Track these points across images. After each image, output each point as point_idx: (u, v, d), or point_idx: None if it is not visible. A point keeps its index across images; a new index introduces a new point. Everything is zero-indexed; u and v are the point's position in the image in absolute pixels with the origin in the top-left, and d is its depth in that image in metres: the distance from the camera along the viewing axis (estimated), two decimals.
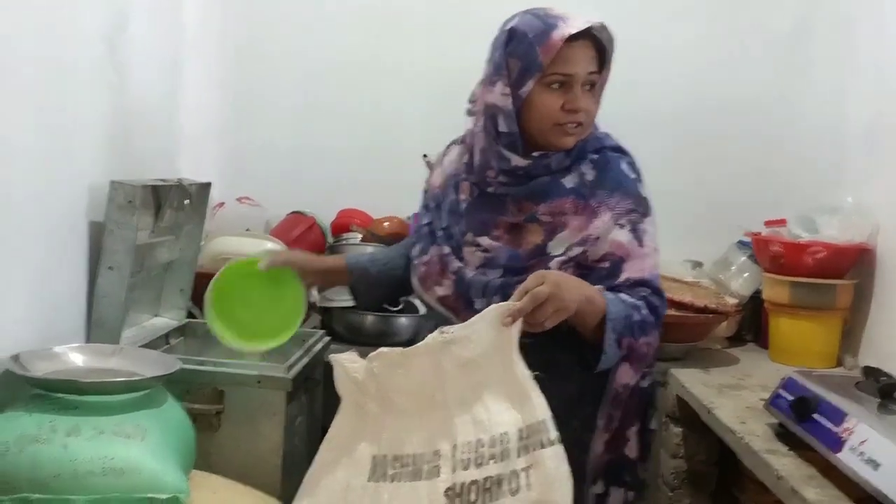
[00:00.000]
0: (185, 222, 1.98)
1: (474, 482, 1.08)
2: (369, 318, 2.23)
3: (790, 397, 1.46)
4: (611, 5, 2.44)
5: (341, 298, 2.30)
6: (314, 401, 1.97)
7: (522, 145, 1.39)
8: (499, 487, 1.07)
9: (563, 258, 1.36)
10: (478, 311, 1.25)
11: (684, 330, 2.03)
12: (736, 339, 2.31)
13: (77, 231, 1.65)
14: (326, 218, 2.59)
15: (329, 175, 2.65)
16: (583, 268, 1.36)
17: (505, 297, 1.26)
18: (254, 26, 2.65)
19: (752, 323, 2.31)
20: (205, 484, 1.44)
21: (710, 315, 2.03)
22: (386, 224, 2.53)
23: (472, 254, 1.45)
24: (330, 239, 2.57)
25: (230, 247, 2.23)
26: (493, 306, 1.17)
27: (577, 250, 1.37)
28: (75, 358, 1.46)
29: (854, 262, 2.02)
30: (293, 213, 2.56)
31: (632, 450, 1.42)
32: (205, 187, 2.00)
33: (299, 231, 2.47)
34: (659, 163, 2.49)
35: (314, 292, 2.35)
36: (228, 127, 2.65)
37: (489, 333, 1.13)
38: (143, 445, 1.25)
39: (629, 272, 1.35)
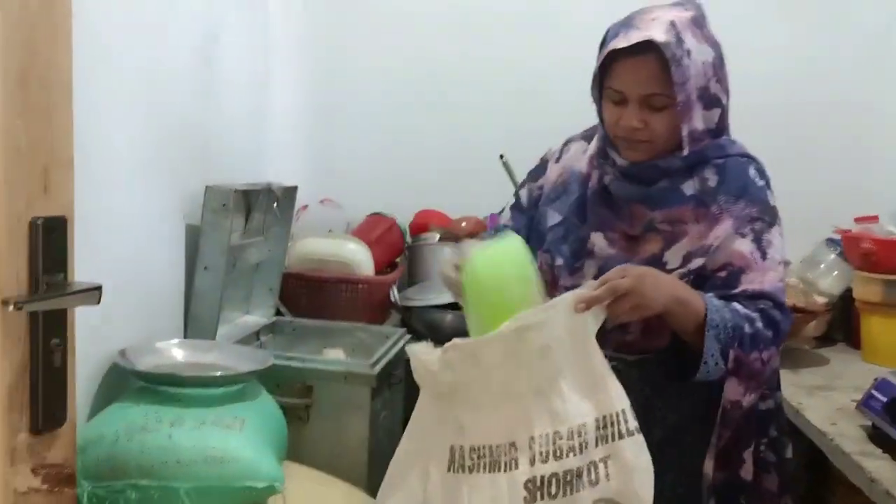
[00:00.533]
0: (273, 224, 2.06)
1: (554, 475, 1.07)
2: (448, 317, 2.26)
3: (884, 398, 1.42)
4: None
5: (420, 298, 2.35)
6: (397, 397, 2.02)
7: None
8: (579, 479, 1.06)
9: (681, 270, 1.25)
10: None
11: None
12: (825, 339, 2.24)
13: (175, 233, 1.74)
14: (405, 218, 2.64)
15: (408, 176, 2.70)
16: (699, 278, 1.26)
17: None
18: (336, 36, 2.72)
19: (842, 322, 2.24)
20: (296, 474, 1.50)
21: (799, 314, 1.98)
22: (464, 224, 2.57)
23: (585, 263, 1.34)
24: (409, 239, 2.62)
25: (315, 247, 2.30)
26: (569, 292, 1.14)
27: (696, 262, 1.25)
28: (176, 353, 1.54)
29: None
30: (373, 214, 2.62)
31: (747, 472, 1.26)
32: (291, 190, 2.07)
33: (380, 231, 2.53)
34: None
35: (394, 291, 2.41)
36: (312, 132, 2.73)
37: (564, 319, 1.11)
38: (241, 436, 1.31)
39: (747, 284, 1.23)
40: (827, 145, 2.49)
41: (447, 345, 1.16)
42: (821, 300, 2.13)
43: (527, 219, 1.44)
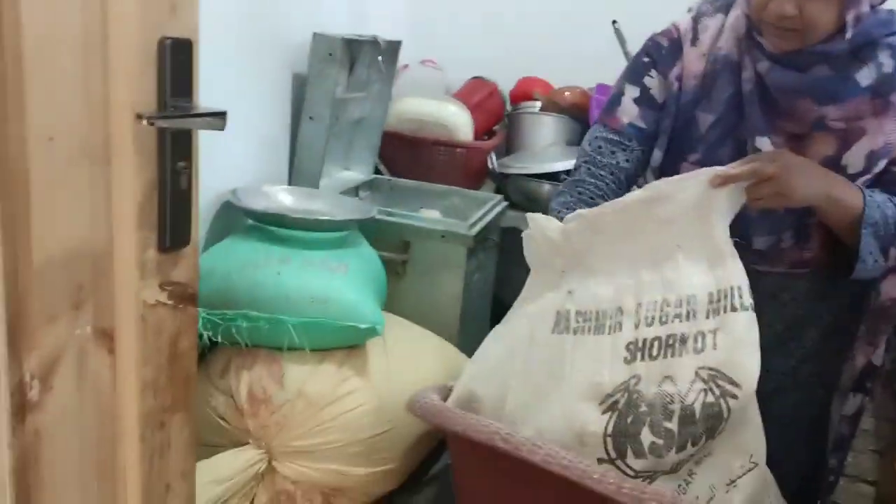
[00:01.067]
0: (376, 81, 2.04)
1: (657, 338, 1.06)
2: (545, 187, 2.23)
3: None
4: None
5: (518, 166, 2.32)
6: (490, 261, 2.04)
7: None
8: (682, 345, 1.05)
9: (868, 177, 1.13)
10: (758, 251, 1.18)
11: None
12: None
13: (282, 81, 1.75)
14: (507, 85, 2.57)
15: (511, 42, 2.61)
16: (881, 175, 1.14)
17: (795, 229, 1.17)
18: None
19: None
20: (393, 322, 1.55)
21: None
22: (567, 94, 2.49)
23: None
24: (509, 107, 2.56)
25: (415, 108, 2.28)
26: (710, 168, 1.07)
27: (882, 164, 1.13)
28: (284, 198, 1.59)
29: None
30: (475, 78, 2.56)
31: (878, 357, 1.21)
32: (395, 45, 2.04)
33: (480, 97, 2.48)
34: None
35: (492, 157, 2.39)
36: None
37: (696, 192, 1.08)
38: (345, 279, 1.36)
39: None
40: None
41: (570, 215, 1.14)
42: None
43: (665, 116, 1.23)
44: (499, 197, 2.11)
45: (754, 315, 1.03)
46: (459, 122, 2.29)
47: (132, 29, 0.83)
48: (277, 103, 1.75)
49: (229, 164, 1.55)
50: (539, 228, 1.16)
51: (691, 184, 1.07)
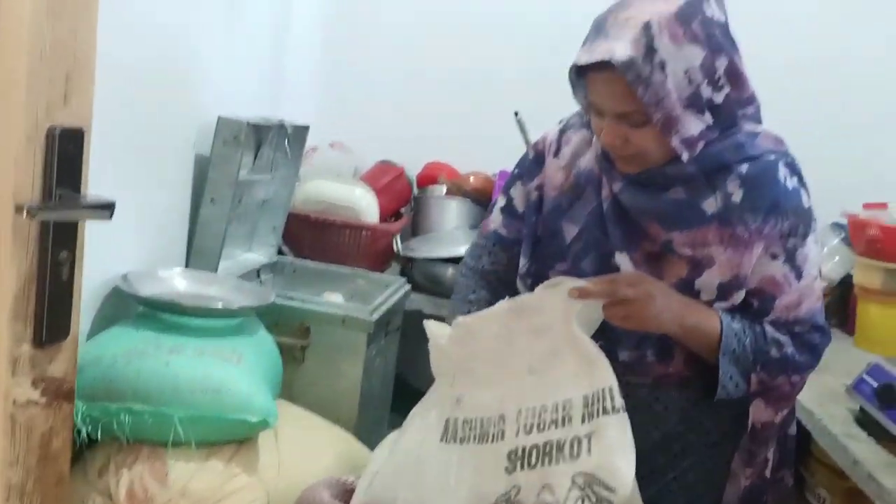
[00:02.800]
0: (282, 163, 2.04)
1: (535, 446, 1.07)
2: (450, 270, 2.26)
3: (875, 383, 1.43)
4: None
5: (423, 249, 2.35)
6: (392, 346, 2.03)
7: None
8: (559, 451, 1.05)
9: (724, 304, 1.14)
10: (622, 362, 1.17)
11: None
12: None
13: (184, 162, 1.73)
14: (414, 169, 2.62)
15: (420, 127, 2.68)
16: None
17: (658, 346, 1.17)
18: None
19: (839, 308, 2.25)
20: (288, 413, 1.52)
21: None
22: (472, 179, 2.55)
23: None
24: (416, 190, 2.61)
25: (321, 190, 2.29)
26: (569, 278, 1.12)
27: (738, 296, 1.13)
28: (178, 282, 1.54)
29: None
30: (382, 161, 2.61)
31: (768, 470, 1.23)
32: (302, 130, 2.05)
33: (388, 179, 2.52)
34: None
35: (397, 240, 2.41)
36: (327, 74, 2.70)
37: (559, 301, 1.11)
38: (238, 369, 1.32)
39: (781, 310, 1.14)
40: (844, 128, 2.47)
41: (454, 321, 1.19)
42: (820, 284, 2.13)
43: (525, 226, 1.26)
44: (402, 280, 2.12)
45: (626, 416, 1.03)
46: (365, 204, 2.31)
47: (19, 117, 0.81)
48: (178, 185, 1.72)
49: (122, 247, 1.50)
50: (432, 335, 1.20)
51: (552, 294, 1.11)
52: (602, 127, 1.10)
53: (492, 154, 2.52)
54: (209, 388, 1.28)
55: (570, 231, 1.20)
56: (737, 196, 1.11)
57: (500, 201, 1.32)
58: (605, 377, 1.07)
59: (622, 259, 1.16)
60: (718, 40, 1.05)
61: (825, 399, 1.57)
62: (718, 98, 1.08)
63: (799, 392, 1.22)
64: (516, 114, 2.39)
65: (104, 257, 1.43)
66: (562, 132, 1.27)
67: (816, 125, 2.44)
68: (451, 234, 2.44)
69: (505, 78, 2.60)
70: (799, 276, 1.13)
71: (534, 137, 2.30)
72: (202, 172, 1.74)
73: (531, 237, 1.25)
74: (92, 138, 0.93)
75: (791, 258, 1.12)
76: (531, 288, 1.20)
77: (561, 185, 1.22)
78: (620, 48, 1.01)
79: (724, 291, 1.13)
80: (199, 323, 1.38)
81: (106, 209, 0.88)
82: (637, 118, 1.05)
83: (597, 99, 1.09)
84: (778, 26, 2.42)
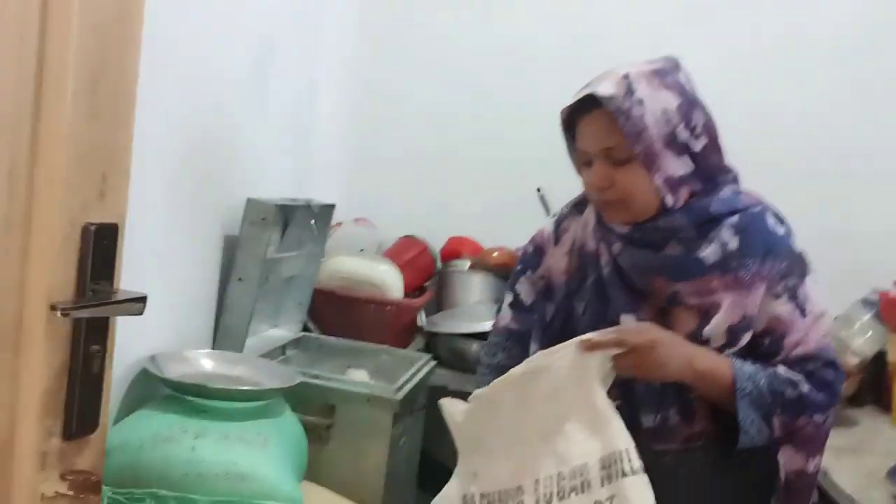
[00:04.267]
0: (308, 240, 2.06)
1: None
2: (474, 346, 2.25)
3: None
4: (747, 48, 2.46)
5: (447, 324, 2.34)
6: (417, 424, 2.01)
7: None
8: None
9: (734, 349, 1.18)
10: (649, 429, 1.21)
11: None
12: (854, 401, 2.19)
13: (213, 243, 1.76)
14: (437, 244, 2.64)
15: (442, 203, 2.71)
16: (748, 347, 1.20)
17: (679, 404, 1.20)
18: (385, 58, 2.75)
19: (874, 385, 2.19)
20: (313, 495, 1.50)
21: None
22: (495, 254, 2.56)
23: None
24: (439, 265, 2.62)
25: (346, 266, 2.31)
26: (579, 336, 1.14)
27: (746, 338, 1.18)
28: (205, 363, 1.55)
29: None
30: (406, 236, 2.63)
31: None
32: (328, 208, 2.08)
33: (411, 255, 2.53)
34: (792, 209, 2.45)
35: (421, 315, 2.41)
36: (353, 150, 2.76)
37: (571, 361, 1.12)
38: (264, 453, 1.31)
39: (790, 348, 1.18)
40: (876, 204, 2.46)
41: (471, 396, 1.20)
42: (853, 360, 2.09)
43: (534, 316, 1.33)
44: (427, 356, 2.11)
45: (646, 477, 1.05)
46: (389, 279, 2.32)
47: (55, 215, 0.83)
48: (207, 265, 1.74)
49: (151, 328, 1.52)
50: (448, 413, 1.20)
51: (564, 353, 1.12)
52: (591, 178, 1.19)
53: (515, 229, 2.52)
54: (234, 474, 1.27)
55: (580, 307, 1.27)
56: (733, 244, 1.19)
57: (508, 298, 1.39)
58: (620, 438, 1.08)
59: (627, 319, 1.21)
60: (695, 96, 1.18)
61: (865, 483, 1.52)
62: (696, 146, 1.17)
63: (826, 437, 1.21)
64: (539, 190, 2.42)
65: (133, 340, 1.44)
66: (558, 223, 1.37)
67: (843, 202, 2.44)
68: (474, 308, 2.43)
69: (527, 155, 2.63)
70: (803, 312, 1.18)
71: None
72: (230, 253, 1.76)
73: (541, 322, 1.32)
74: (126, 230, 0.96)
75: (794, 296, 1.18)
76: None
77: (567, 268, 1.31)
78: (603, 87, 1.14)
79: (733, 335, 1.18)
80: (224, 405, 1.37)
81: (138, 303, 0.89)
82: (620, 153, 1.15)
83: (584, 142, 1.20)
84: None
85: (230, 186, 1.79)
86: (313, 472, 1.62)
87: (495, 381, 1.18)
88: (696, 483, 1.23)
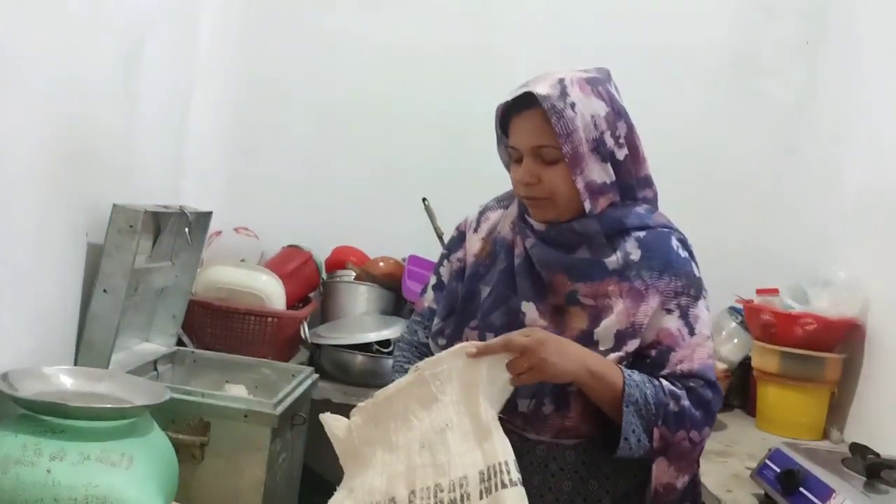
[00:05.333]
0: (183, 249, 1.97)
1: None
2: (358, 358, 2.22)
3: (777, 469, 1.46)
4: (629, 72, 2.54)
5: (332, 336, 2.30)
6: (299, 439, 1.95)
7: None
8: None
9: (619, 354, 1.21)
10: (523, 414, 1.23)
11: None
12: (723, 405, 2.30)
13: (76, 251, 1.64)
14: (322, 253, 2.59)
15: (327, 211, 2.66)
16: (634, 356, 1.23)
17: (554, 394, 1.22)
18: (265, 60, 2.68)
19: (740, 389, 2.32)
20: None
21: None
22: (381, 264, 2.54)
23: None
24: (324, 275, 2.57)
25: (225, 276, 2.23)
26: (463, 343, 1.16)
27: (633, 344, 1.22)
28: (65, 380, 1.44)
29: (843, 337, 2.04)
30: (289, 246, 2.56)
31: None
32: (205, 216, 2.00)
33: (295, 265, 2.47)
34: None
35: (304, 327, 2.35)
36: (232, 157, 2.67)
37: (456, 367, 1.12)
38: (127, 474, 1.23)
39: (676, 363, 1.21)
40: (734, 214, 2.61)
41: (354, 408, 1.18)
42: (721, 366, 2.20)
43: (448, 294, 1.39)
44: (309, 369, 2.05)
45: (523, 490, 1.06)
46: (271, 290, 2.25)
47: None
48: (69, 276, 1.63)
49: (4, 343, 1.40)
50: (329, 428, 1.18)
51: (449, 359, 1.13)
52: (519, 174, 1.26)
53: (401, 239, 2.53)
54: (94, 498, 1.18)
55: (485, 291, 1.33)
56: (635, 255, 1.26)
57: (432, 280, 1.47)
58: (502, 449, 1.08)
59: (528, 308, 1.27)
60: (621, 108, 1.26)
61: (731, 484, 1.60)
62: (619, 154, 1.26)
63: (699, 456, 1.26)
64: (424, 200, 2.42)
65: None
66: (481, 213, 1.43)
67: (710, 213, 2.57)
68: (360, 319, 2.40)
69: (413, 165, 2.64)
70: (692, 332, 1.23)
71: (441, 223, 2.35)
72: (95, 262, 1.66)
73: (449, 299, 1.38)
74: None
75: (684, 315, 1.23)
76: (443, 348, 1.26)
77: (479, 252, 1.38)
78: (540, 87, 1.22)
79: (620, 339, 1.22)
80: (84, 425, 1.27)
81: None
82: (550, 153, 1.23)
83: (516, 138, 1.26)
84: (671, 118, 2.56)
85: (96, 191, 1.68)
86: (186, 493, 1.54)
87: (378, 392, 1.18)
88: (566, 481, 1.25)
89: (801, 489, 1.37)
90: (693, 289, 1.25)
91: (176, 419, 1.59)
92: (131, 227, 1.63)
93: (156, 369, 1.93)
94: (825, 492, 1.31)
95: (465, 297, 1.35)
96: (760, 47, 2.60)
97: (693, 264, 1.28)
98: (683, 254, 1.28)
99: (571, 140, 1.20)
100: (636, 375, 1.20)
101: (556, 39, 2.55)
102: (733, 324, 2.33)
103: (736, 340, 2.31)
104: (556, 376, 1.16)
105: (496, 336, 1.19)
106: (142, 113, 1.91)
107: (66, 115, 1.54)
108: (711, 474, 1.64)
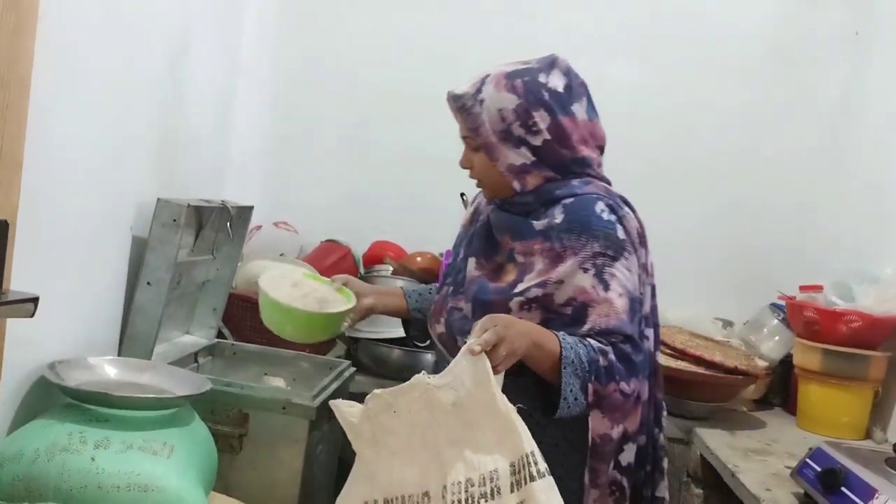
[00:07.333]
0: (224, 243, 2.01)
1: None
2: (395, 352, 2.23)
3: (818, 468, 1.43)
4: (668, 62, 2.52)
5: (369, 330, 2.31)
6: (335, 431, 1.97)
7: None
8: None
9: (521, 298, 1.33)
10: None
11: (712, 389, 2.01)
12: (762, 403, 2.27)
13: (120, 245, 1.68)
14: (360, 248, 2.61)
15: (366, 206, 2.68)
16: (549, 312, 1.33)
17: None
18: (305, 56, 2.71)
19: (781, 387, 2.28)
20: None
21: (740, 377, 2.01)
22: (419, 259, 2.55)
23: (467, 287, 1.47)
24: (362, 270, 2.59)
25: (263, 270, 2.25)
26: (463, 347, 1.18)
27: (534, 291, 1.33)
28: (109, 370, 1.48)
29: (889, 334, 1.99)
30: (328, 240, 2.59)
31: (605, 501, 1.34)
32: (246, 210, 2.03)
33: (333, 259, 2.49)
34: (699, 220, 2.50)
35: (345, 323, 2.37)
36: (273, 153, 2.70)
37: (467, 372, 1.14)
38: (168, 463, 1.26)
39: (594, 320, 1.30)
40: (780, 211, 2.56)
41: (368, 395, 1.20)
42: (761, 364, 2.16)
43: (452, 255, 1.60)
44: (346, 362, 2.08)
45: (551, 479, 1.08)
46: None
47: None
48: (114, 268, 1.67)
49: (51, 334, 1.44)
50: (341, 415, 1.19)
51: (460, 366, 1.14)
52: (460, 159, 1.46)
53: (438, 234, 2.52)
54: (136, 486, 1.21)
55: (460, 254, 1.54)
56: (558, 219, 1.37)
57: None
58: (526, 441, 1.10)
59: (470, 263, 1.48)
60: (541, 98, 1.37)
61: (771, 483, 1.57)
62: (535, 141, 1.38)
63: (631, 411, 1.33)
64: (462, 195, 2.41)
65: (31, 345, 1.37)
66: (476, 195, 1.63)
67: (752, 205, 2.53)
68: None
69: (451, 159, 2.63)
70: (606, 288, 1.31)
71: None
72: (139, 255, 1.70)
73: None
74: (20, 226, 0.90)
75: (599, 273, 1.32)
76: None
77: (466, 222, 1.60)
78: (460, 86, 1.41)
79: (527, 290, 1.34)
80: (127, 415, 1.31)
81: (27, 305, 0.84)
82: (471, 142, 1.42)
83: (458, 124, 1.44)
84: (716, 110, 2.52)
85: (141, 185, 1.72)
86: (224, 483, 1.57)
87: (394, 388, 1.20)
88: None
89: (843, 489, 1.34)
90: (612, 250, 1.33)
91: (215, 410, 1.62)
92: (175, 221, 1.66)
93: (196, 361, 1.97)
94: (868, 491, 1.28)
95: (452, 262, 1.56)
96: (804, 37, 2.54)
97: (618, 227, 1.36)
98: (608, 217, 1.36)
99: (480, 132, 1.39)
100: (569, 338, 1.28)
101: (595, 29, 2.53)
102: (775, 321, 2.29)
103: (777, 338, 2.27)
104: (519, 356, 1.22)
105: (454, 291, 1.45)
106: (187, 108, 1.95)
107: (113, 107, 1.57)
108: (750, 472, 1.62)
